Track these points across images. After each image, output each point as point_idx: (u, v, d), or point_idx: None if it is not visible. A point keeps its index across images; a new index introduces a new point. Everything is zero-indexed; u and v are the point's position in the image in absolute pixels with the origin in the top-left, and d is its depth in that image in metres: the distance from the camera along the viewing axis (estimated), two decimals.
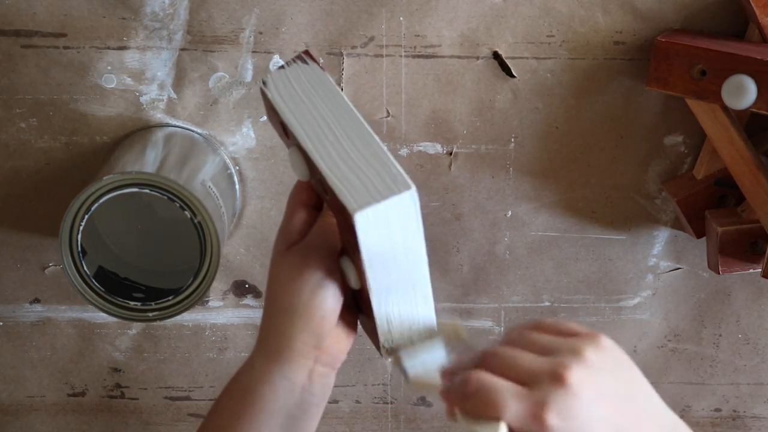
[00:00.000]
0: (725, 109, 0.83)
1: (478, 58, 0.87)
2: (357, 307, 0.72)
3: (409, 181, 0.64)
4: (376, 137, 0.66)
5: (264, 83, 0.70)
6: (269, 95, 0.69)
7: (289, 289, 0.68)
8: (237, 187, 0.89)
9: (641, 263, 0.94)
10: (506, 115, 0.89)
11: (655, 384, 0.99)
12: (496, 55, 0.87)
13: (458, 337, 0.69)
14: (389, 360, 0.69)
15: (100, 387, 0.98)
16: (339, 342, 0.70)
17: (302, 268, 0.68)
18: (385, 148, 0.66)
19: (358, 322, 0.73)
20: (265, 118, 0.88)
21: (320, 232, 0.70)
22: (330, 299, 0.68)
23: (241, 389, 0.70)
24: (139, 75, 0.86)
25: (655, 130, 0.89)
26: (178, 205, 0.79)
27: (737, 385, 0.99)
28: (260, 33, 0.85)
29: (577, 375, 0.58)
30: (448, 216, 0.92)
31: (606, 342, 0.61)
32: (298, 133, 0.67)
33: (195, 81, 0.87)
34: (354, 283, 0.68)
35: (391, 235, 0.65)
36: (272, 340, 0.69)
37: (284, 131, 0.70)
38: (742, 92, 0.79)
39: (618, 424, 0.60)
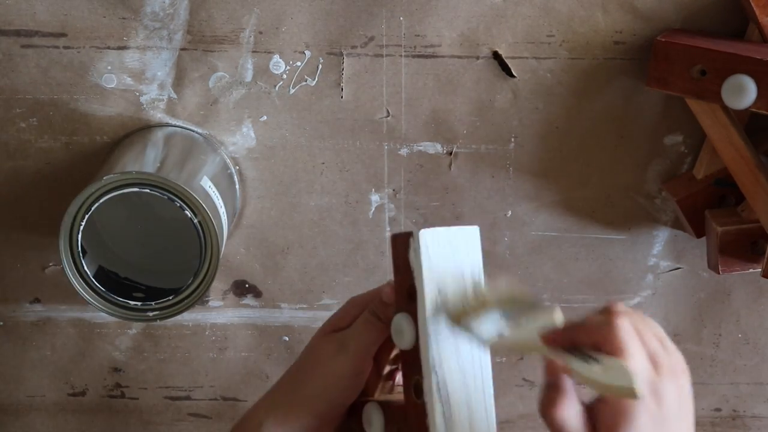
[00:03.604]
0: (725, 109, 0.83)
1: (478, 58, 0.87)
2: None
3: None
4: (490, 379, 0.67)
5: (418, 237, 0.66)
6: (421, 251, 0.65)
7: (314, 369, 0.72)
8: (237, 187, 0.89)
9: (641, 263, 0.94)
10: (506, 115, 0.89)
11: None
12: (496, 55, 0.87)
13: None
14: None
15: (100, 387, 0.98)
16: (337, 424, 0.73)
17: (334, 359, 0.71)
18: (493, 406, 0.67)
19: None
20: (265, 118, 0.88)
21: (361, 333, 0.71)
22: (341, 399, 0.71)
23: None
24: (139, 75, 0.86)
25: (655, 130, 0.89)
26: (178, 205, 0.79)
27: (737, 385, 0.99)
28: (260, 33, 0.85)
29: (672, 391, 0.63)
30: (448, 216, 0.92)
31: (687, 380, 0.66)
32: (427, 329, 0.65)
33: (195, 81, 0.87)
34: None
35: None
36: (284, 408, 0.72)
37: (408, 291, 0.67)
38: (742, 92, 0.79)
39: None
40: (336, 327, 0.73)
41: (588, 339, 0.63)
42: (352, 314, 0.72)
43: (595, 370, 0.61)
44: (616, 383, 0.60)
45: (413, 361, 0.66)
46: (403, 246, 0.67)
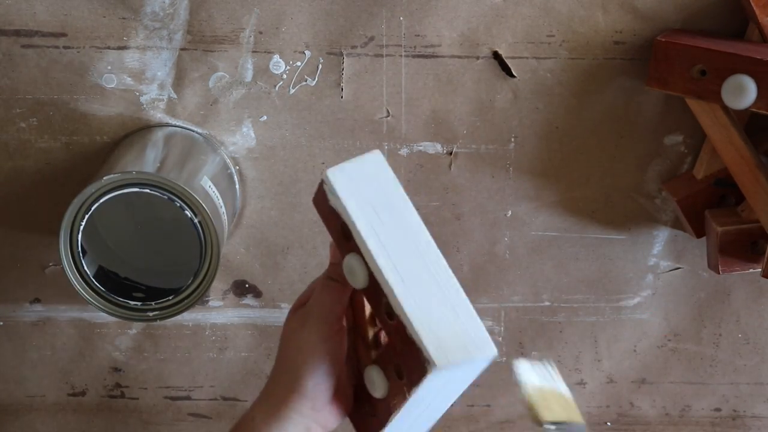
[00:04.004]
0: (725, 108, 0.83)
1: (478, 58, 0.87)
2: (359, 402, 0.73)
3: (494, 347, 0.65)
4: (453, 276, 0.66)
5: (327, 178, 0.67)
6: (336, 192, 0.67)
7: (287, 350, 0.72)
8: (237, 186, 0.89)
9: (641, 263, 0.94)
10: (506, 115, 0.89)
11: (655, 384, 1.00)
12: (496, 55, 0.87)
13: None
14: None
15: (101, 387, 0.98)
16: (334, 410, 0.72)
17: (299, 332, 0.71)
18: (461, 291, 0.66)
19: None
20: (265, 117, 0.88)
21: (320, 299, 0.72)
22: (321, 368, 0.70)
23: None
24: (140, 75, 0.86)
25: (655, 130, 0.89)
26: (178, 205, 0.79)
27: (737, 385, 0.99)
28: (260, 33, 0.85)
29: None
30: (448, 216, 0.92)
31: None
32: (370, 249, 0.66)
33: (195, 81, 0.87)
34: (379, 395, 0.70)
35: (450, 383, 0.67)
36: (272, 396, 0.72)
37: (343, 232, 0.68)
38: (742, 92, 0.79)
39: None
40: (299, 304, 0.73)
41: None
42: (310, 294, 0.73)
43: None
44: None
45: (376, 291, 0.66)
46: (322, 198, 0.68)
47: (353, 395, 0.74)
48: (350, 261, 0.67)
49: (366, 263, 0.66)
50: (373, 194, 0.67)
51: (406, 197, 0.68)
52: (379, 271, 0.65)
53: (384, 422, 0.69)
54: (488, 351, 0.65)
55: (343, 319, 0.72)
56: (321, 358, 0.70)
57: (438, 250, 0.67)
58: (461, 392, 0.69)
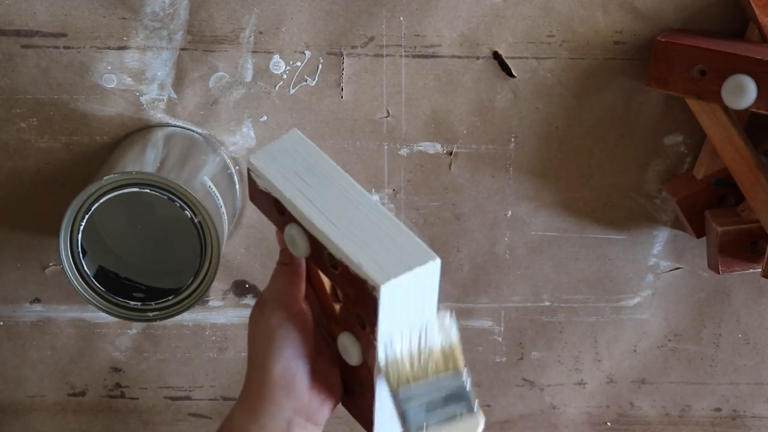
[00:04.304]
0: (725, 109, 0.83)
1: (478, 58, 0.87)
2: (346, 383, 0.72)
3: (433, 252, 0.64)
4: (382, 207, 0.67)
5: (251, 164, 0.69)
6: (261, 174, 0.69)
7: (251, 343, 0.71)
8: (237, 186, 0.89)
9: (641, 263, 0.94)
10: (506, 115, 0.89)
11: (655, 384, 1.00)
12: (496, 55, 0.87)
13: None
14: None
15: (101, 387, 0.98)
16: (316, 396, 0.70)
17: (258, 321, 0.70)
18: (393, 217, 0.66)
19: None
20: (265, 117, 0.88)
21: (273, 285, 0.71)
22: (286, 350, 0.68)
23: None
24: (140, 75, 0.86)
25: (655, 130, 0.89)
26: (178, 205, 0.79)
27: (737, 385, 0.99)
28: (260, 33, 0.85)
29: None
30: (448, 216, 0.92)
31: None
32: (300, 210, 0.67)
33: (195, 81, 0.87)
34: (356, 359, 0.69)
35: (410, 307, 0.65)
36: (248, 393, 0.70)
37: (277, 209, 0.69)
38: (742, 92, 0.79)
39: None
40: (261, 297, 0.73)
41: None
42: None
43: None
44: None
45: (318, 249, 0.66)
46: (254, 188, 0.70)
47: (343, 386, 0.72)
48: (290, 232, 0.68)
49: (303, 228, 0.67)
50: (294, 164, 0.69)
51: (326, 156, 0.69)
52: (312, 225, 0.66)
53: (372, 389, 0.68)
54: (427, 258, 0.64)
55: (301, 300, 0.70)
56: (282, 342, 0.68)
57: (362, 189, 0.67)
58: (432, 324, 0.67)
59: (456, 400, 0.67)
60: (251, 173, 0.70)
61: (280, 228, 0.70)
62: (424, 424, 0.66)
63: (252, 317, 0.72)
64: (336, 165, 0.68)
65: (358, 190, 0.67)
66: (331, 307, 0.72)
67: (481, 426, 0.67)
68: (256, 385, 0.69)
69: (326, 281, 0.72)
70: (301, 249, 0.68)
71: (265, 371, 0.68)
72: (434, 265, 0.64)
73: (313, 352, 0.70)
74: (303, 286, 0.71)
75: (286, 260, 0.71)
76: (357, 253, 0.64)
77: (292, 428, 0.69)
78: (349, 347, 0.69)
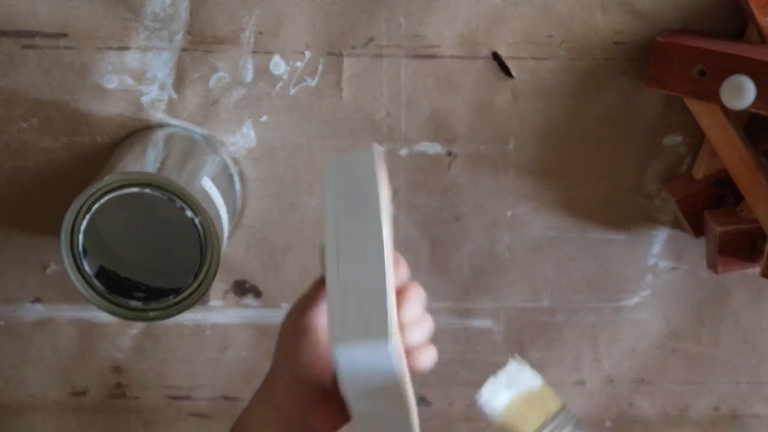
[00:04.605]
0: (724, 109, 0.83)
1: (477, 58, 0.87)
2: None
3: (389, 334, 0.63)
4: (389, 272, 0.66)
5: (324, 167, 0.69)
6: (324, 181, 0.69)
7: (279, 334, 0.72)
8: (237, 187, 0.89)
9: (641, 263, 0.94)
10: (506, 115, 0.89)
11: (655, 384, 1.00)
12: (496, 56, 0.87)
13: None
14: None
15: (101, 386, 0.98)
16: (327, 412, 0.70)
17: (289, 314, 0.71)
18: (389, 286, 0.65)
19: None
20: (265, 118, 0.88)
21: (312, 286, 0.71)
22: (302, 347, 0.69)
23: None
24: (140, 75, 0.86)
25: (654, 130, 0.89)
26: (178, 205, 0.79)
27: (736, 385, 0.99)
28: (260, 33, 0.85)
29: None
30: (448, 216, 0.92)
31: None
32: (327, 232, 0.67)
33: (195, 81, 0.87)
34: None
35: (370, 379, 0.65)
36: (266, 381, 0.72)
37: None
38: (742, 92, 0.79)
39: None
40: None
41: None
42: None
43: None
44: None
45: None
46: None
47: None
48: (321, 245, 0.69)
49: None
50: (351, 183, 0.68)
51: (381, 189, 0.68)
52: (326, 251, 0.66)
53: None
54: (380, 335, 0.63)
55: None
56: (300, 348, 0.69)
57: (384, 240, 0.67)
58: (403, 404, 0.67)
59: (578, 428, 0.71)
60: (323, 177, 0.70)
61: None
62: None
63: (288, 316, 0.72)
64: (382, 204, 0.68)
65: (379, 237, 0.67)
66: None
67: None
68: (272, 378, 0.71)
69: None
70: (323, 269, 0.69)
71: (282, 369, 0.70)
72: (384, 346, 0.63)
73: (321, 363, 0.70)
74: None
75: None
76: (335, 305, 0.64)
77: None
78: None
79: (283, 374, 0.70)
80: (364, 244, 0.67)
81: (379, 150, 0.70)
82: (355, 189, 0.68)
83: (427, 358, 0.70)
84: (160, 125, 0.88)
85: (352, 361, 0.64)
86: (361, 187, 0.68)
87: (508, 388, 0.71)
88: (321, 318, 0.69)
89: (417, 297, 0.70)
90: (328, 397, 0.69)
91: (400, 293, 0.67)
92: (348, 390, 0.65)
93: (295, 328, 0.70)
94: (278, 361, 0.72)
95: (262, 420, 0.72)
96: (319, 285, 0.70)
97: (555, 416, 0.70)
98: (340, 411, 0.69)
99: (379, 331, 0.63)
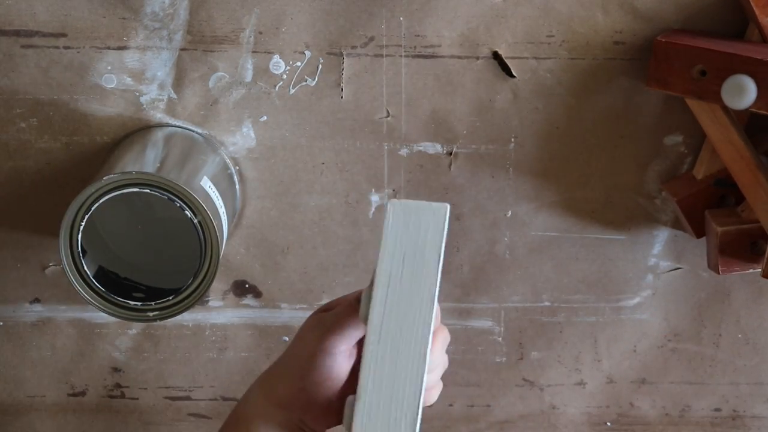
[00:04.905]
0: (725, 109, 0.83)
1: (478, 58, 0.87)
2: None
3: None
4: (427, 360, 0.66)
5: (387, 206, 0.67)
6: (384, 227, 0.67)
7: (297, 341, 0.72)
8: (237, 187, 0.89)
9: (641, 263, 0.94)
10: (506, 115, 0.89)
11: (655, 384, 1.00)
12: (496, 55, 0.87)
13: None
14: None
15: (101, 387, 0.98)
16: (324, 416, 0.71)
17: (314, 330, 0.71)
18: (424, 382, 0.65)
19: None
20: (265, 118, 0.88)
21: (341, 312, 0.71)
22: (319, 369, 0.70)
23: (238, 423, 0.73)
24: (139, 75, 0.86)
25: (655, 130, 0.89)
26: (178, 205, 0.79)
27: (737, 385, 0.99)
28: (260, 33, 0.85)
29: None
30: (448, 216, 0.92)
31: None
32: (375, 293, 0.66)
33: (195, 81, 0.87)
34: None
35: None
36: (271, 377, 0.73)
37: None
38: (742, 92, 0.79)
39: None
40: (327, 308, 0.73)
41: None
42: (342, 302, 0.73)
43: None
44: None
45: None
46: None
47: None
48: (366, 292, 0.67)
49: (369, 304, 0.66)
50: (412, 241, 0.66)
51: (440, 256, 0.67)
52: (368, 319, 0.65)
53: None
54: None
55: (354, 343, 0.71)
56: (318, 369, 0.70)
57: (431, 327, 0.66)
58: None
59: None
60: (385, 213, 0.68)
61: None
62: None
63: (306, 322, 0.72)
64: (437, 273, 0.66)
65: (427, 323, 0.66)
66: None
67: None
68: (279, 378, 0.72)
69: None
70: (363, 316, 0.67)
71: (291, 376, 0.71)
72: None
73: (334, 390, 0.71)
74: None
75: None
76: (367, 387, 0.65)
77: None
78: (346, 415, 0.69)
79: (292, 380, 0.71)
80: (413, 321, 0.66)
81: (446, 209, 0.67)
82: (416, 249, 0.66)
83: (436, 394, 0.72)
84: (160, 125, 0.88)
85: None
86: (425, 250, 0.66)
87: None
88: (343, 344, 0.70)
89: (443, 342, 0.71)
90: (328, 404, 0.70)
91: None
92: None
93: (315, 347, 0.70)
94: (289, 366, 0.72)
95: (263, 414, 0.72)
96: (351, 310, 0.70)
97: None
98: (338, 415, 0.70)
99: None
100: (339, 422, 0.71)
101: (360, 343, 0.71)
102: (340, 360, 0.70)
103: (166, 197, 0.79)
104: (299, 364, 0.71)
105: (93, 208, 0.79)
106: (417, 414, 0.64)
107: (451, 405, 0.99)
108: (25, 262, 0.93)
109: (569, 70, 0.87)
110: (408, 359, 0.65)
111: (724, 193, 0.88)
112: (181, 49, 0.86)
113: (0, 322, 0.95)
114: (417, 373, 0.65)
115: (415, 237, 0.67)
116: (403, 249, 0.66)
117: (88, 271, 0.82)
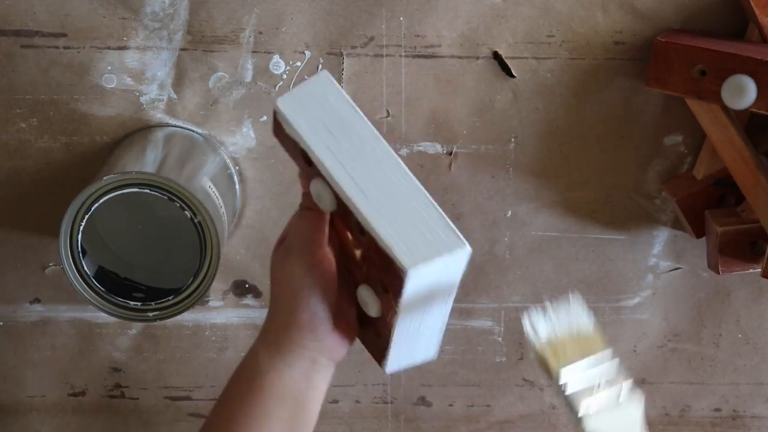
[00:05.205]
0: (725, 109, 0.83)
1: (478, 58, 0.87)
2: (361, 320, 0.72)
3: (464, 240, 0.64)
4: (413, 178, 0.66)
5: (277, 108, 0.67)
6: (287, 119, 0.67)
7: (276, 286, 0.71)
8: (237, 187, 0.89)
9: (641, 263, 0.94)
10: (506, 115, 0.89)
11: (655, 384, 1.00)
12: (496, 55, 0.87)
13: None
14: None
15: (101, 387, 0.98)
16: (337, 337, 0.71)
17: (284, 266, 0.71)
18: (425, 192, 0.65)
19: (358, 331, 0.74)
20: (265, 118, 0.88)
21: (297, 230, 0.71)
22: (313, 297, 0.69)
23: (248, 377, 0.72)
24: (139, 75, 0.86)
25: (655, 130, 0.89)
26: (178, 205, 0.79)
27: (737, 385, 0.99)
28: (260, 33, 0.85)
29: None
30: (448, 216, 0.92)
31: None
32: (330, 172, 0.65)
33: (195, 81, 0.87)
34: (374, 313, 0.69)
35: (434, 288, 0.65)
36: (272, 333, 0.71)
37: (304, 159, 0.67)
38: (742, 92, 0.79)
39: None
40: (282, 239, 0.73)
41: None
42: (293, 223, 0.73)
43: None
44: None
45: (345, 211, 0.66)
46: (279, 128, 0.68)
47: (359, 318, 0.72)
48: (316, 186, 0.67)
49: (330, 185, 0.66)
50: (324, 115, 0.66)
51: (357, 110, 0.67)
52: (342, 191, 0.65)
53: (387, 341, 0.69)
54: (457, 246, 0.63)
55: (325, 245, 0.71)
56: (310, 289, 0.69)
57: (396, 157, 0.66)
58: (453, 294, 0.67)
59: (612, 381, 0.69)
60: (277, 116, 0.67)
61: (307, 178, 0.68)
62: (590, 408, 0.68)
63: (276, 260, 0.72)
64: (367, 121, 0.66)
65: (390, 155, 0.66)
66: (352, 251, 0.72)
67: (642, 404, 0.69)
68: (282, 326, 0.70)
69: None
70: (326, 205, 0.67)
71: (293, 316, 0.70)
72: (463, 254, 0.64)
73: (336, 295, 0.71)
74: (327, 229, 0.71)
75: (309, 205, 0.70)
76: (386, 231, 0.63)
77: (315, 366, 0.71)
78: (368, 302, 0.69)
79: (296, 320, 0.70)
80: (382, 168, 0.65)
81: (327, 74, 0.67)
82: (333, 119, 0.66)
83: None
84: (160, 125, 0.88)
85: (425, 278, 0.64)
86: (339, 114, 0.66)
87: (557, 320, 0.69)
88: (321, 250, 0.70)
89: None
90: (337, 318, 0.71)
91: None
92: (404, 308, 0.65)
93: (300, 272, 0.70)
94: (287, 310, 0.70)
95: (276, 367, 0.71)
96: (308, 218, 0.70)
97: (593, 361, 0.69)
98: (348, 327, 0.71)
99: (454, 242, 0.63)
100: (352, 334, 0.71)
101: (333, 244, 0.71)
102: (326, 266, 0.70)
103: (166, 197, 0.79)
104: (295, 300, 0.70)
105: (93, 208, 0.79)
106: (436, 211, 0.64)
107: (451, 405, 0.99)
108: (25, 262, 0.93)
109: (569, 70, 0.87)
110: (395, 184, 0.65)
111: (723, 193, 0.88)
112: (181, 49, 0.86)
113: (0, 322, 0.95)
114: (411, 184, 0.65)
115: (322, 108, 0.67)
116: (323, 123, 0.66)
117: (88, 271, 0.82)
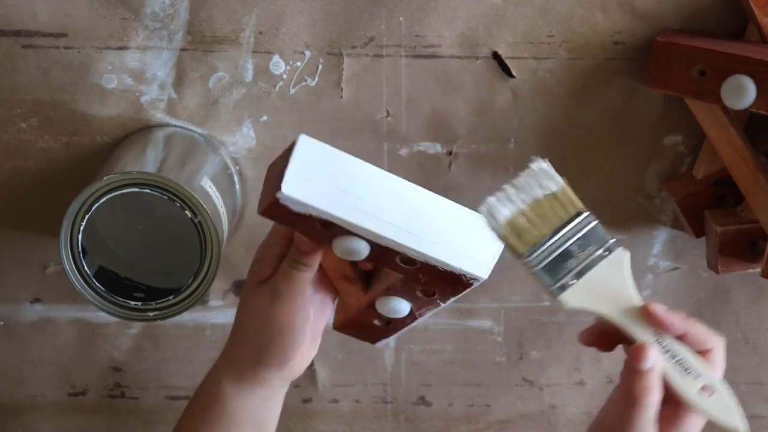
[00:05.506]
0: (725, 109, 0.83)
1: (477, 58, 0.87)
2: (360, 321, 0.75)
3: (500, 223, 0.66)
4: (436, 195, 0.69)
5: (287, 197, 0.64)
6: (297, 201, 0.64)
7: (252, 323, 0.73)
8: (237, 187, 0.89)
9: (641, 263, 0.94)
10: (506, 115, 0.89)
11: None
12: (496, 55, 0.87)
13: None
14: None
15: (101, 386, 0.98)
16: (304, 365, 0.74)
17: (268, 310, 0.72)
18: (451, 202, 0.69)
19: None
20: (266, 117, 0.88)
21: (287, 281, 0.72)
22: (289, 345, 0.71)
23: (210, 402, 0.75)
24: (140, 75, 0.86)
25: (654, 130, 0.89)
26: (178, 205, 0.79)
27: (736, 385, 0.99)
28: (260, 33, 0.85)
29: None
30: None
31: None
32: (365, 227, 0.66)
33: (195, 81, 0.87)
34: (400, 315, 0.72)
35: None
36: (237, 366, 0.74)
37: (320, 225, 0.66)
38: (742, 92, 0.79)
39: None
40: (262, 278, 0.73)
41: (687, 336, 0.70)
42: (270, 263, 0.73)
43: (693, 388, 0.68)
44: (716, 414, 0.69)
45: (383, 253, 0.67)
46: (280, 210, 0.66)
47: (357, 318, 0.75)
48: (344, 244, 0.67)
49: (364, 238, 0.67)
50: (328, 179, 0.65)
51: (351, 156, 0.66)
52: (383, 238, 0.66)
53: (401, 327, 0.73)
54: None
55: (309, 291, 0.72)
56: (291, 337, 0.71)
57: (405, 181, 0.68)
58: None
59: (591, 240, 0.67)
60: (282, 201, 0.65)
61: (321, 240, 0.68)
62: (566, 280, 0.66)
63: (258, 300, 0.73)
64: (364, 162, 0.67)
65: (402, 183, 0.68)
66: (342, 269, 0.73)
67: (628, 257, 0.67)
68: (249, 362, 0.73)
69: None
70: (359, 255, 0.68)
71: (266, 357, 0.72)
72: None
73: (313, 330, 0.73)
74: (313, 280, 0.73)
75: (304, 262, 0.71)
76: (446, 254, 0.67)
77: (276, 390, 0.74)
78: (398, 308, 0.72)
79: (272, 358, 0.72)
80: (404, 198, 0.67)
81: (307, 139, 0.66)
82: (339, 178, 0.66)
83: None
84: (160, 125, 0.88)
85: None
86: (341, 170, 0.66)
87: (518, 197, 0.65)
88: (307, 290, 0.72)
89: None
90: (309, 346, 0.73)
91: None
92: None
93: (292, 327, 0.71)
94: (268, 347, 0.72)
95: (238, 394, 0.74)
96: (311, 273, 0.71)
97: (567, 224, 0.65)
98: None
99: (491, 246, 0.68)
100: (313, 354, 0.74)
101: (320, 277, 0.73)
102: (310, 314, 0.72)
103: (166, 197, 0.79)
104: (275, 341, 0.72)
105: (93, 208, 0.79)
106: (468, 212, 0.69)
107: (451, 405, 0.99)
108: (26, 261, 0.93)
109: (569, 70, 0.87)
110: (423, 208, 0.68)
111: (723, 192, 0.88)
112: (182, 49, 0.86)
113: (0, 322, 0.95)
114: (434, 200, 0.69)
115: (325, 174, 0.66)
116: (335, 187, 0.65)
117: (88, 271, 0.82)
